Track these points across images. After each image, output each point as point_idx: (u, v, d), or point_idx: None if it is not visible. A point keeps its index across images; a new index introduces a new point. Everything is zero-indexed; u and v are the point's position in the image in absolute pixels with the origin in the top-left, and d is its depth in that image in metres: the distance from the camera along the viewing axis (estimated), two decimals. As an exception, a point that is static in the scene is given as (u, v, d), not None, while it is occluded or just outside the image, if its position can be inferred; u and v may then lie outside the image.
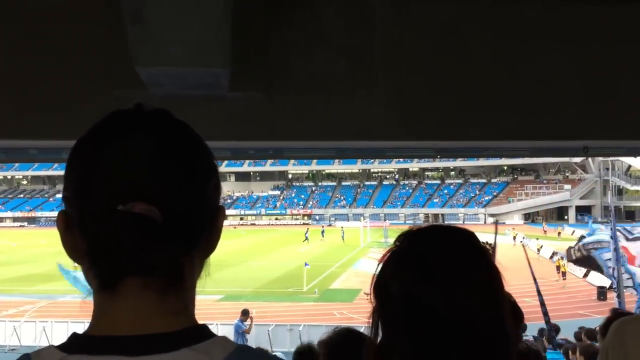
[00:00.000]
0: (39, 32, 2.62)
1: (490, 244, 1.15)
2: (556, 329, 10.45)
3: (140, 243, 0.74)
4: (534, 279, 9.71)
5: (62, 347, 0.76)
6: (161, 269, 0.76)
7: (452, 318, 1.03)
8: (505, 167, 77.05)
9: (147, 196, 0.76)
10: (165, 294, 0.77)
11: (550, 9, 2.79)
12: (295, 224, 70.67)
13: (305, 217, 74.80)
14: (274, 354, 1.09)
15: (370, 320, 1.12)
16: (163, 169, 0.78)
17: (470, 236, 1.15)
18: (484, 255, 1.12)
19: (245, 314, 13.86)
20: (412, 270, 1.08)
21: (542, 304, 9.48)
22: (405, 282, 1.07)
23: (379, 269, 1.13)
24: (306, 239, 45.91)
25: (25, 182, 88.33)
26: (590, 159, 64.47)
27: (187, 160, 0.81)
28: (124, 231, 0.74)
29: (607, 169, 66.71)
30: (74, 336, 0.78)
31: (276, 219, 75.51)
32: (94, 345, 0.75)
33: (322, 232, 49.26)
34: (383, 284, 1.11)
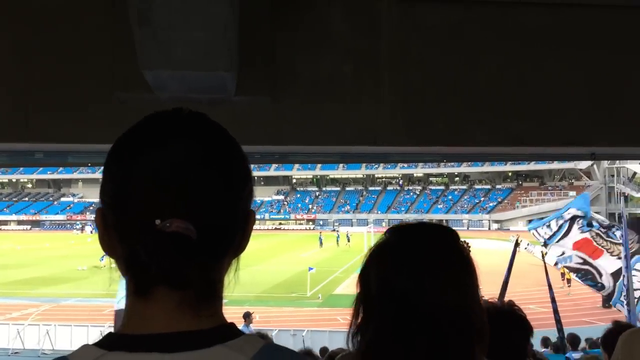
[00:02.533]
0: (45, 35, 2.62)
1: (468, 244, 1.21)
2: (574, 338, 10.33)
3: (175, 260, 0.75)
4: (549, 287, 9.82)
5: (99, 345, 0.78)
6: (195, 284, 0.77)
7: (420, 305, 1.13)
8: (509, 174, 76.81)
9: (184, 212, 0.76)
10: (199, 304, 0.79)
11: (557, 15, 2.78)
12: (300, 229, 70.67)
13: (310, 222, 74.77)
14: None
15: (354, 305, 1.22)
16: (202, 181, 0.79)
17: (450, 234, 1.24)
18: (458, 252, 1.21)
19: (247, 316, 13.73)
20: (388, 259, 1.20)
21: (555, 311, 9.46)
22: (382, 269, 1.19)
23: (365, 259, 1.25)
24: (320, 244, 45.74)
25: (30, 185, 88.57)
26: (595, 165, 64.21)
27: (227, 169, 0.82)
28: (160, 247, 0.75)
29: (612, 175, 66.42)
30: (110, 335, 0.80)
31: (280, 223, 75.48)
32: (130, 342, 0.77)
33: (338, 238, 48.61)
34: (366, 272, 1.22)
